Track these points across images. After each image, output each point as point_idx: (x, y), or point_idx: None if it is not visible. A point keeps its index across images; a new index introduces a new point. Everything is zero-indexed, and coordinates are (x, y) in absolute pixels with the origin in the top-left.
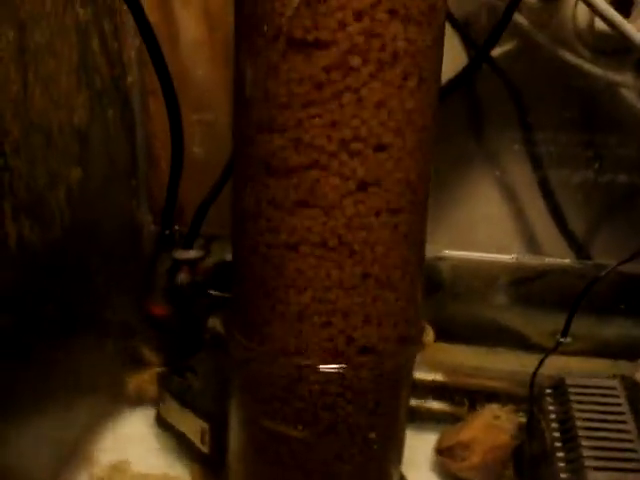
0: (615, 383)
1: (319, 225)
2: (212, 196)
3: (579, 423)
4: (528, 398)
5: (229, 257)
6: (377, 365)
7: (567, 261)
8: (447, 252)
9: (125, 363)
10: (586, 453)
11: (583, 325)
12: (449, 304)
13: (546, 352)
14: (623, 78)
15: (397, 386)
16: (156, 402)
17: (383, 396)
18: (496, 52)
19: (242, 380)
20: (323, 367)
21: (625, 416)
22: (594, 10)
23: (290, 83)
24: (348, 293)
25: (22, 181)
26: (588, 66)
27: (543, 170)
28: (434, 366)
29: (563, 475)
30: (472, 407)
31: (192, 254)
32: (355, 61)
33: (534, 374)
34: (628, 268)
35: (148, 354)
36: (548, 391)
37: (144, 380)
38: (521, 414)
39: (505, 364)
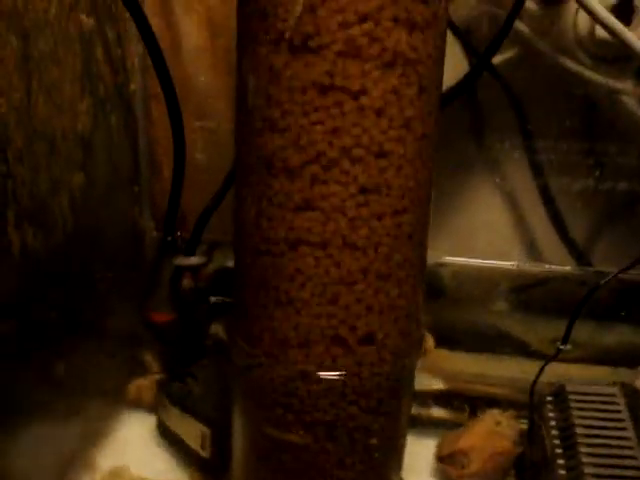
0: (615, 390)
1: (319, 226)
2: (214, 203)
3: (579, 430)
4: (528, 405)
5: (231, 263)
6: (379, 362)
7: (568, 268)
8: (448, 258)
9: (127, 369)
10: (586, 460)
11: (584, 332)
12: (450, 310)
13: (546, 359)
14: (624, 85)
15: (398, 391)
16: (157, 407)
17: (384, 401)
18: (497, 59)
19: (244, 386)
20: (325, 374)
21: (625, 423)
22: (595, 18)
23: (292, 90)
24: (350, 294)
25: (25, 188)
26: (589, 73)
27: (544, 177)
28: (435, 373)
29: None
30: (473, 413)
31: (194, 261)
32: (356, 68)
33: (534, 381)
34: (628, 275)
35: (150, 360)
36: (548, 398)
37: (145, 385)
38: (522, 420)
39: (506, 371)
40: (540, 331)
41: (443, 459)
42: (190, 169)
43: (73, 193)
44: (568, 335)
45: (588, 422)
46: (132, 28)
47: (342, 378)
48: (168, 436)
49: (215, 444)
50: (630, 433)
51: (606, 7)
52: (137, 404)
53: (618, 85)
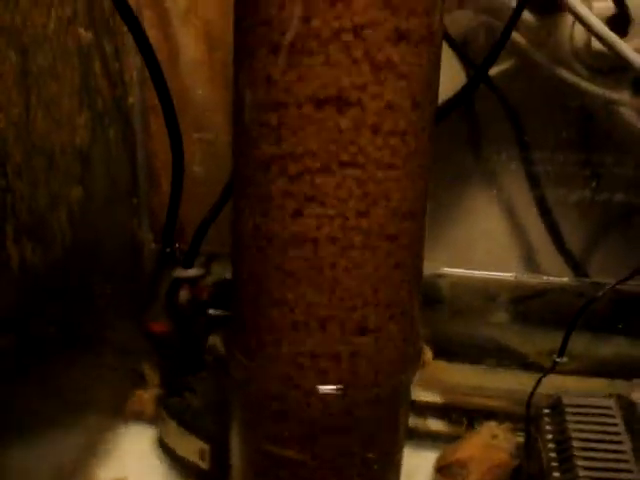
0: (611, 403)
1: (312, 250)
2: (212, 215)
3: (575, 443)
4: (525, 418)
5: (229, 275)
6: (376, 377)
7: (565, 279)
8: (446, 270)
9: (127, 381)
10: (582, 473)
11: (581, 344)
12: (448, 322)
13: (543, 372)
14: (620, 96)
15: (396, 404)
16: (155, 420)
17: (382, 415)
18: (493, 71)
19: (242, 401)
20: (322, 388)
21: (621, 436)
22: (590, 30)
23: (288, 105)
24: (347, 310)
25: (24, 203)
26: (585, 84)
27: (541, 189)
28: (433, 385)
29: None
30: (470, 426)
31: (192, 273)
32: (349, 81)
33: (531, 394)
34: (625, 287)
35: (148, 372)
36: (545, 411)
37: (144, 398)
38: (519, 433)
39: (504, 383)
40: (538, 343)
41: (441, 470)
42: (188, 181)
43: (72, 207)
44: (564, 348)
45: (584, 435)
46: (130, 41)
47: (339, 392)
48: (168, 449)
49: (214, 458)
50: (626, 446)
51: (602, 18)
52: (137, 416)
53: (615, 96)
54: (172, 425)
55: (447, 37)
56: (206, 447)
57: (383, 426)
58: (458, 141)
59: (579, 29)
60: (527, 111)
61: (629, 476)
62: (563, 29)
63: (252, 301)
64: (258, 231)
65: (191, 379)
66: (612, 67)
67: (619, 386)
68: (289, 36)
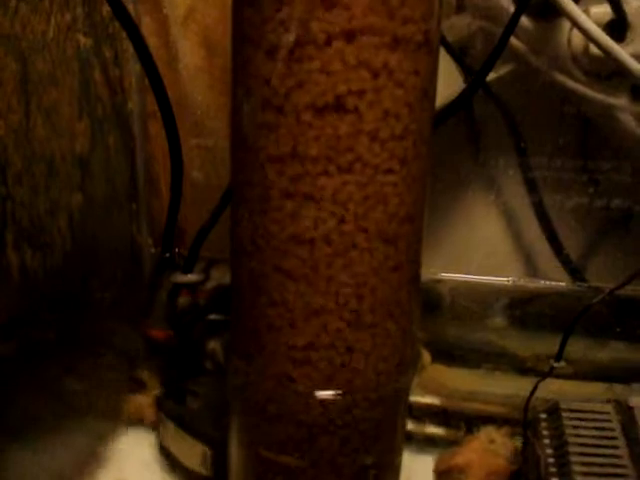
0: (609, 408)
1: (310, 253)
2: (211, 222)
3: (573, 448)
4: (522, 423)
5: (229, 281)
6: (374, 382)
7: (563, 284)
8: (444, 275)
9: (127, 386)
10: (579, 478)
11: (579, 348)
12: (446, 326)
13: (540, 377)
14: (618, 102)
15: (394, 409)
16: (155, 425)
17: (380, 420)
18: (491, 76)
19: (240, 406)
20: (320, 393)
21: (618, 441)
22: (587, 36)
23: (287, 112)
24: (344, 314)
25: (24, 210)
26: (583, 90)
27: (538, 194)
28: (431, 389)
29: None
30: (469, 431)
31: (191, 278)
32: (346, 88)
33: (528, 399)
34: (623, 291)
35: (148, 377)
36: (542, 416)
37: (144, 403)
38: (517, 438)
39: (502, 387)
40: (536, 347)
41: (439, 475)
42: (187, 186)
43: (72, 213)
44: (561, 352)
45: (582, 440)
46: (130, 47)
47: (338, 396)
48: (168, 454)
49: (215, 462)
50: (623, 451)
51: (600, 24)
52: (137, 421)
53: (613, 101)
54: (172, 429)
55: (445, 43)
56: (207, 451)
57: (381, 431)
58: (457, 146)
59: (577, 34)
60: (525, 117)
61: None
62: (561, 34)
63: (251, 304)
64: (256, 232)
65: (191, 384)
66: (610, 72)
67: (617, 391)
68: (287, 42)
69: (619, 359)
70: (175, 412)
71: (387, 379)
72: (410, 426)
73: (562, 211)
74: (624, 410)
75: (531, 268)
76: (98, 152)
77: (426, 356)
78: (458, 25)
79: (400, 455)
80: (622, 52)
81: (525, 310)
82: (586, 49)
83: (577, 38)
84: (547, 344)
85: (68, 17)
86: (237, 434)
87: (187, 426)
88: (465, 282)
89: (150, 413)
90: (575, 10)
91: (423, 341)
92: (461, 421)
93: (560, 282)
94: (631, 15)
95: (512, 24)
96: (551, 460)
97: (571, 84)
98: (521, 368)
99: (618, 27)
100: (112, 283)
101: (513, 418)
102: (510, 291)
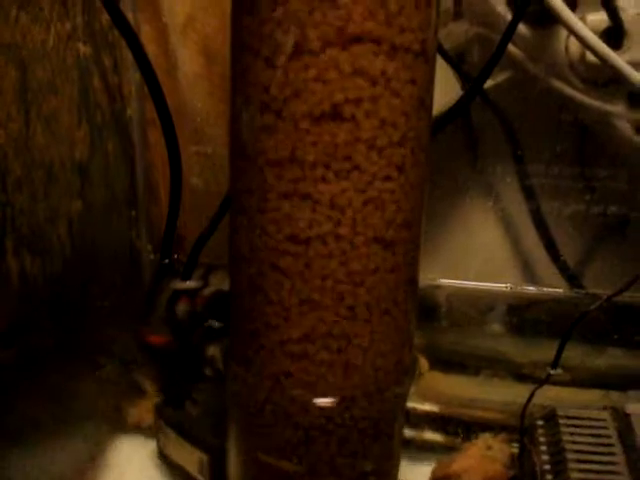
0: (606, 415)
1: (306, 251)
2: (210, 229)
3: (569, 455)
4: (519, 429)
5: (228, 287)
6: (371, 389)
7: (560, 291)
8: (442, 281)
9: (126, 392)
10: None
11: (576, 355)
12: (444, 333)
13: (537, 384)
14: (615, 109)
15: (391, 416)
16: (155, 432)
17: (378, 427)
18: (488, 83)
19: (238, 412)
20: (318, 400)
21: (614, 448)
22: (583, 43)
23: (285, 120)
24: (342, 322)
25: (24, 217)
26: (580, 97)
27: (536, 201)
28: (428, 396)
29: None
30: (467, 438)
31: (190, 285)
32: (343, 96)
33: (525, 406)
34: (620, 298)
35: (147, 383)
36: (539, 422)
37: (143, 409)
38: (514, 444)
39: (499, 394)
40: (533, 354)
41: None
42: (186, 193)
43: (71, 220)
44: (558, 360)
45: (578, 447)
46: (129, 55)
47: (335, 405)
48: (167, 460)
49: (214, 468)
50: (619, 458)
51: (597, 31)
52: (137, 427)
53: (609, 108)
54: (171, 435)
55: (442, 50)
56: (205, 457)
57: (379, 437)
58: (455, 153)
59: (574, 42)
60: (522, 124)
61: None
62: (558, 42)
63: (249, 308)
64: (254, 234)
65: (190, 390)
66: (607, 80)
67: (614, 397)
68: (284, 51)
69: (616, 366)
70: (174, 418)
71: (385, 385)
72: (408, 433)
73: (559, 218)
74: (620, 417)
75: (529, 275)
76: (97, 159)
77: (424, 363)
78: (455, 32)
79: (398, 461)
80: (619, 60)
81: (523, 316)
82: (583, 56)
83: (574, 45)
84: (544, 350)
85: (68, 26)
86: (236, 439)
87: (186, 433)
88: (463, 288)
89: (149, 419)
90: (572, 18)
91: (421, 348)
92: (459, 428)
93: (557, 289)
94: (628, 23)
95: (510, 31)
96: (547, 467)
97: (568, 91)
98: (518, 374)
99: (615, 35)
100: (111, 289)
101: (510, 425)
102: (508, 297)
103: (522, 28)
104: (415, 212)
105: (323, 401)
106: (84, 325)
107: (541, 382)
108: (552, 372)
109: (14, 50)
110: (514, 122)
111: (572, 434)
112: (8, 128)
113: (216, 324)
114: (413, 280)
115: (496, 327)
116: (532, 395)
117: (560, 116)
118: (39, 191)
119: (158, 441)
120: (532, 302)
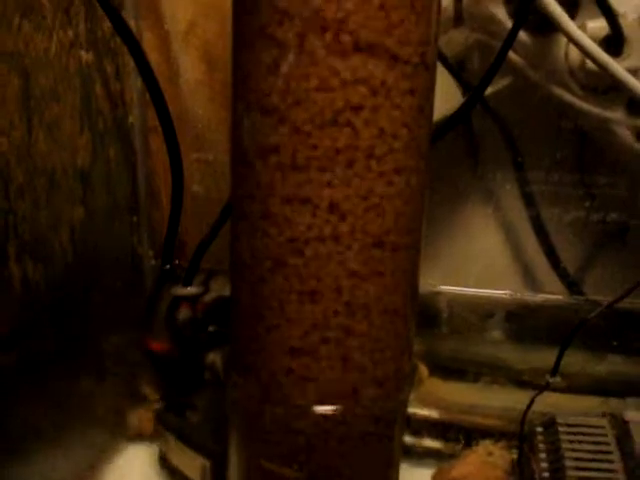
0: (605, 422)
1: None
2: (212, 235)
3: (568, 462)
4: (518, 436)
5: (229, 293)
6: (372, 397)
7: (561, 297)
8: (442, 287)
9: (126, 398)
10: None
11: (576, 362)
12: (444, 339)
13: (537, 391)
14: (615, 116)
15: (392, 424)
16: (156, 438)
17: (378, 435)
18: (488, 90)
19: (239, 419)
20: (318, 408)
21: (613, 455)
22: (583, 51)
23: (286, 127)
24: (342, 330)
25: (26, 224)
26: (580, 104)
27: (536, 208)
28: (428, 402)
29: None
30: (467, 444)
31: (192, 291)
32: (343, 105)
33: (525, 413)
34: (620, 305)
35: (148, 389)
36: (539, 429)
37: (144, 416)
38: (514, 451)
39: (499, 401)
40: (533, 361)
41: None
42: (188, 200)
43: (73, 226)
44: (557, 367)
45: (577, 454)
46: (131, 62)
47: (336, 413)
48: (169, 466)
49: (215, 474)
50: (617, 465)
51: (597, 39)
52: (138, 434)
53: (609, 115)
54: (172, 442)
55: (442, 58)
56: (207, 463)
57: (379, 444)
58: (455, 160)
59: (574, 49)
60: (523, 131)
61: None
62: (558, 49)
63: (250, 314)
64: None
65: (191, 396)
66: (607, 87)
67: (613, 404)
68: (286, 58)
69: (616, 372)
70: (175, 425)
71: (385, 396)
72: (408, 439)
73: (559, 224)
74: (619, 424)
75: (529, 281)
76: (99, 165)
77: (423, 369)
78: (456, 39)
79: (397, 469)
80: (618, 67)
81: (522, 323)
82: (583, 63)
83: (574, 52)
84: (544, 357)
85: (70, 34)
86: (236, 446)
87: (187, 439)
88: (463, 295)
89: (150, 425)
90: (571, 26)
91: (420, 354)
92: (459, 434)
93: (557, 295)
94: (627, 30)
95: (510, 39)
96: (546, 474)
97: (568, 98)
98: (518, 381)
99: (614, 42)
100: (113, 295)
101: (510, 431)
102: (508, 304)
103: (522, 35)
104: (415, 218)
105: (323, 408)
106: (86, 331)
107: (541, 389)
108: (551, 380)
109: (17, 58)
110: (514, 129)
111: (571, 441)
112: (11, 136)
113: (217, 330)
114: (413, 286)
115: (496, 334)
116: (532, 402)
117: (560, 123)
118: (41, 198)
119: (160, 447)
120: (532, 309)
